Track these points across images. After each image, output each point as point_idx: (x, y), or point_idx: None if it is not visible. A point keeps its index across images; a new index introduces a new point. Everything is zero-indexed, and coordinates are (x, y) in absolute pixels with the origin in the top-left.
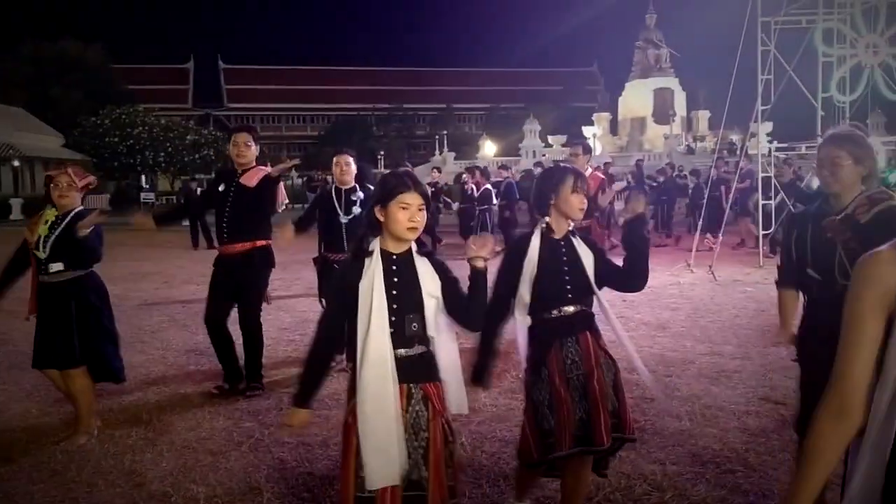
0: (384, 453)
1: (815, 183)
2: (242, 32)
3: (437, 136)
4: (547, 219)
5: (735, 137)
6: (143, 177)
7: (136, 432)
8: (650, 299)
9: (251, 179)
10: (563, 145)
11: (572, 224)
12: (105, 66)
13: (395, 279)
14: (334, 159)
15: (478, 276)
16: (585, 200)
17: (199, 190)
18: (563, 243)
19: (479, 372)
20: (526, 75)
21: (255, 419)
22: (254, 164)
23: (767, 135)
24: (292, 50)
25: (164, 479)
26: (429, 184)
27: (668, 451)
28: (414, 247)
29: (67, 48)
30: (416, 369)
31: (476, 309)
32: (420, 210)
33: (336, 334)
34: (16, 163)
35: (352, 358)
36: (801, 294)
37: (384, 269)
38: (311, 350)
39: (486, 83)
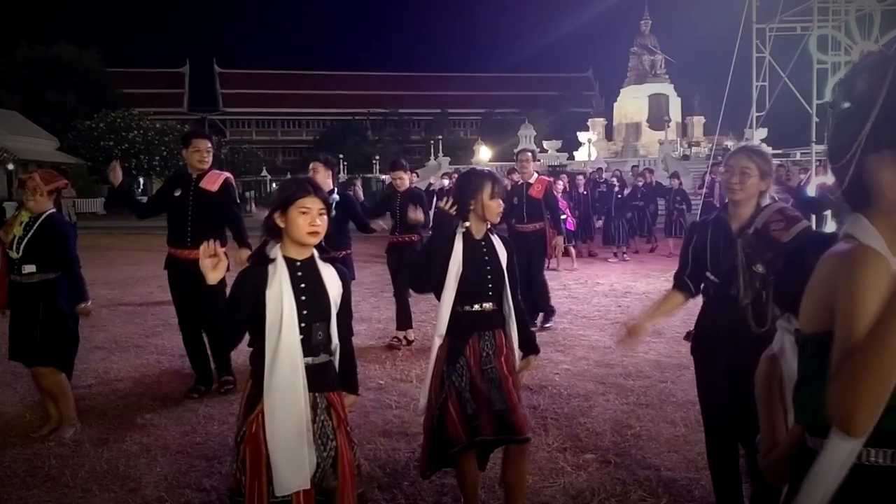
0: (296, 462)
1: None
2: (238, 37)
3: (432, 141)
4: (467, 223)
5: (730, 143)
6: (139, 180)
7: (131, 437)
8: (645, 304)
9: (212, 184)
10: (559, 150)
11: (498, 225)
12: (100, 70)
13: (303, 285)
14: (311, 165)
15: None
16: (503, 204)
17: None
18: (483, 243)
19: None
20: (521, 80)
21: None
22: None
23: (762, 140)
24: (287, 54)
25: (159, 485)
26: (433, 188)
27: (663, 457)
28: (316, 253)
29: (62, 52)
30: (321, 378)
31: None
32: (321, 214)
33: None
34: (10, 166)
35: (255, 364)
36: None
37: (290, 277)
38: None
39: (481, 88)
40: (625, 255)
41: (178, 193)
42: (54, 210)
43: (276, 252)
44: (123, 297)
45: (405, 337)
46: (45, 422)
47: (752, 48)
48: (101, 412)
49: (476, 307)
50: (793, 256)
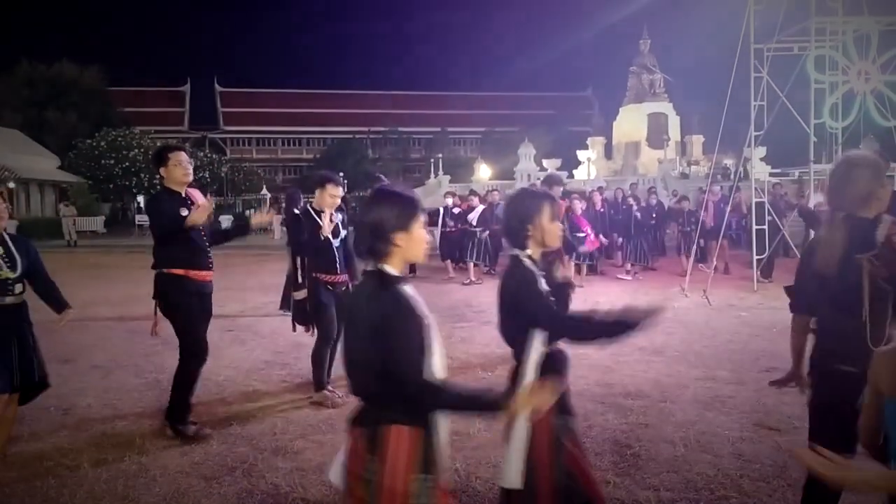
0: None
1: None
2: (238, 56)
3: (431, 160)
4: (528, 251)
5: (729, 162)
6: (139, 199)
7: (129, 457)
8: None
9: (201, 198)
10: (558, 169)
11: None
12: (101, 89)
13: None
14: (329, 187)
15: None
16: (562, 227)
17: None
18: (544, 272)
19: None
20: (521, 99)
21: (249, 444)
22: None
23: (761, 159)
24: (288, 73)
25: None
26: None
27: (662, 477)
28: None
29: (64, 70)
30: None
31: None
32: None
33: None
34: (11, 185)
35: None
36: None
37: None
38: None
39: (480, 107)
40: (636, 274)
41: (185, 213)
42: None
43: (391, 271)
44: (123, 316)
45: None
46: (41, 441)
47: (750, 68)
48: (100, 432)
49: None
50: None
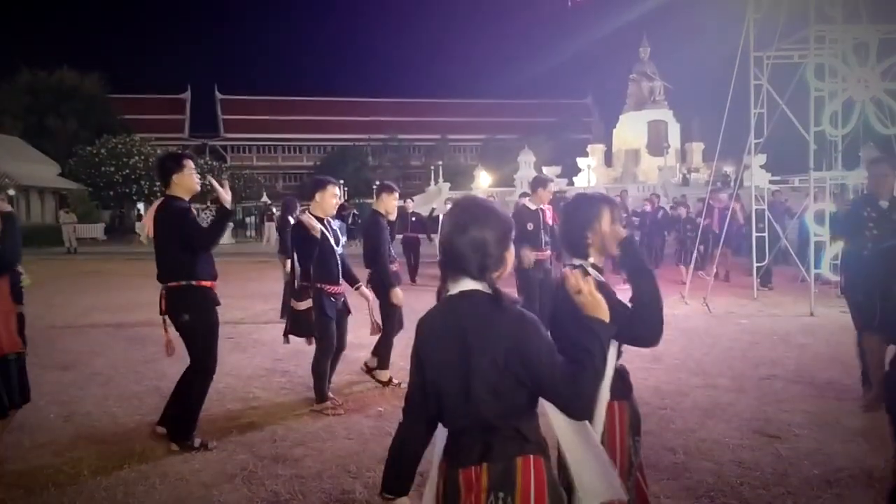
0: None
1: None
2: (239, 63)
3: (432, 167)
4: (591, 260)
5: (729, 169)
6: (140, 206)
7: (129, 464)
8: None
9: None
10: (558, 176)
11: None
12: (102, 96)
13: None
14: (331, 189)
15: None
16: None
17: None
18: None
19: None
20: (521, 107)
21: (249, 451)
22: None
23: (761, 167)
24: (288, 80)
25: None
26: (435, 213)
27: (662, 484)
28: None
29: (65, 77)
30: None
31: None
32: None
33: None
34: (11, 192)
35: None
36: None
37: None
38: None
39: (480, 114)
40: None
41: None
42: None
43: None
44: (123, 323)
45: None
46: (41, 448)
47: (749, 76)
48: (100, 439)
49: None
50: None
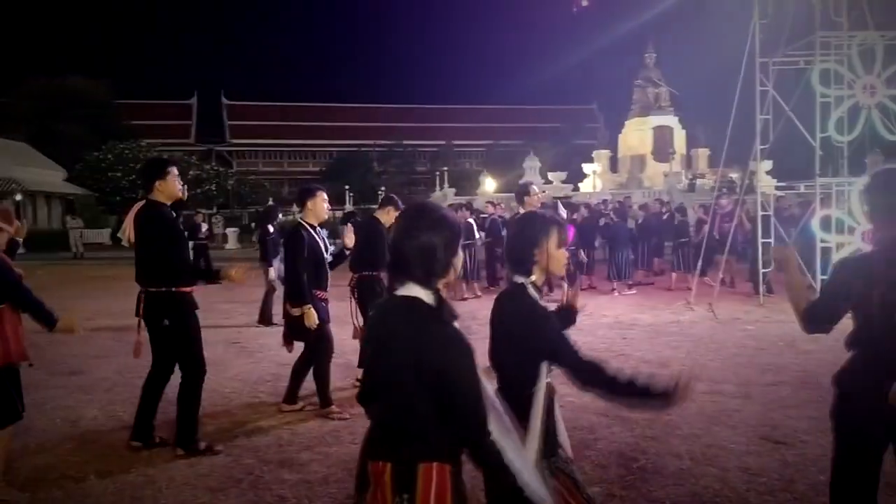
0: None
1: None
2: (245, 69)
3: (437, 173)
4: (533, 277)
5: (734, 175)
6: None
7: (136, 469)
8: (650, 337)
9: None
10: (564, 182)
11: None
12: (109, 102)
13: None
14: (322, 195)
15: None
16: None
17: (203, 225)
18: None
19: None
20: (526, 112)
21: (255, 456)
22: None
23: (767, 173)
24: (294, 87)
25: None
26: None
27: (668, 490)
28: None
29: (72, 84)
30: None
31: None
32: None
33: None
34: (18, 197)
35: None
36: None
37: None
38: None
39: (486, 120)
40: (614, 290)
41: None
42: None
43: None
44: (128, 328)
45: None
46: (46, 453)
47: (755, 81)
48: (106, 444)
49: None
50: None
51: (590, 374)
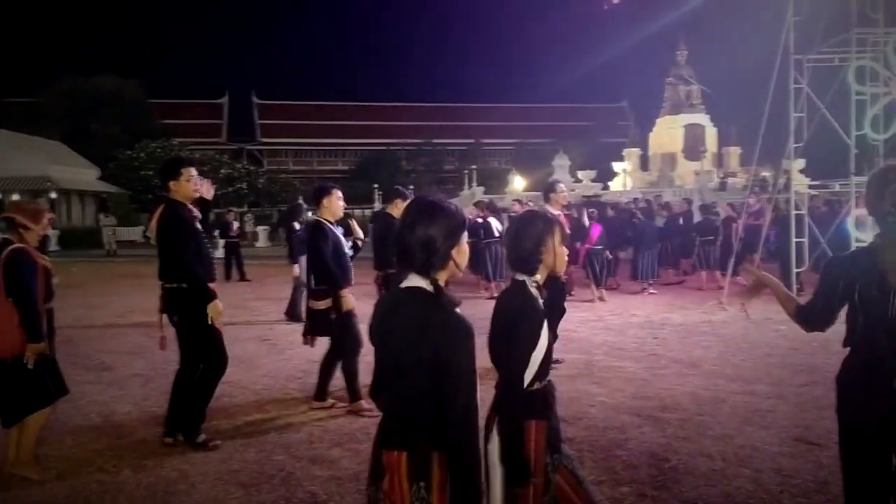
0: None
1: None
2: (276, 69)
3: (465, 171)
4: (537, 276)
5: (766, 174)
6: None
7: (169, 463)
8: (681, 337)
9: (198, 214)
10: (593, 180)
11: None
12: (142, 101)
13: None
14: (336, 192)
15: None
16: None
17: (234, 223)
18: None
19: None
20: (555, 111)
21: (287, 452)
22: None
23: (800, 171)
24: (324, 86)
25: None
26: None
27: (699, 490)
28: None
29: (105, 83)
30: None
31: None
32: None
33: None
34: (53, 195)
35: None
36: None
37: None
38: None
39: (514, 118)
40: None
41: (199, 227)
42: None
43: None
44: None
45: None
46: (83, 446)
47: (789, 79)
48: (141, 438)
49: (550, 378)
50: None
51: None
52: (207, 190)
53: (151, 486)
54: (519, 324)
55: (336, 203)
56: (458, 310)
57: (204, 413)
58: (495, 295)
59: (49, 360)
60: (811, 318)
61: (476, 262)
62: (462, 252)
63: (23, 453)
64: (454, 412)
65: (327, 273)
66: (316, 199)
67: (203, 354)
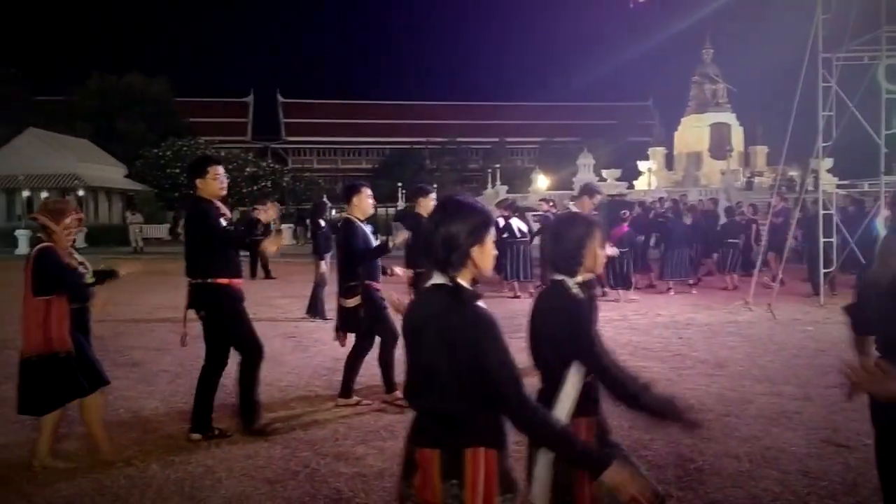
0: None
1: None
2: (301, 68)
3: (489, 170)
4: (579, 279)
5: (794, 173)
6: None
7: (196, 458)
8: (707, 337)
9: (226, 212)
10: (618, 179)
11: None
12: (168, 100)
13: None
14: (366, 191)
15: None
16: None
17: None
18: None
19: None
20: (580, 109)
21: (312, 449)
22: None
23: (828, 171)
24: (348, 85)
25: None
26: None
27: (726, 491)
28: None
29: (133, 81)
30: None
31: None
32: None
33: None
34: (81, 192)
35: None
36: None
37: None
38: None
39: (539, 117)
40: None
41: (225, 224)
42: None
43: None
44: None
45: None
46: (111, 441)
47: (818, 78)
48: (168, 434)
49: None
50: None
51: (611, 384)
52: (268, 213)
53: (179, 481)
54: (575, 316)
55: (366, 201)
56: (479, 302)
57: (256, 401)
58: (518, 294)
59: (82, 355)
60: (854, 318)
61: (497, 260)
62: (485, 252)
63: (41, 442)
64: (508, 402)
65: (360, 265)
66: (346, 197)
67: (238, 346)
